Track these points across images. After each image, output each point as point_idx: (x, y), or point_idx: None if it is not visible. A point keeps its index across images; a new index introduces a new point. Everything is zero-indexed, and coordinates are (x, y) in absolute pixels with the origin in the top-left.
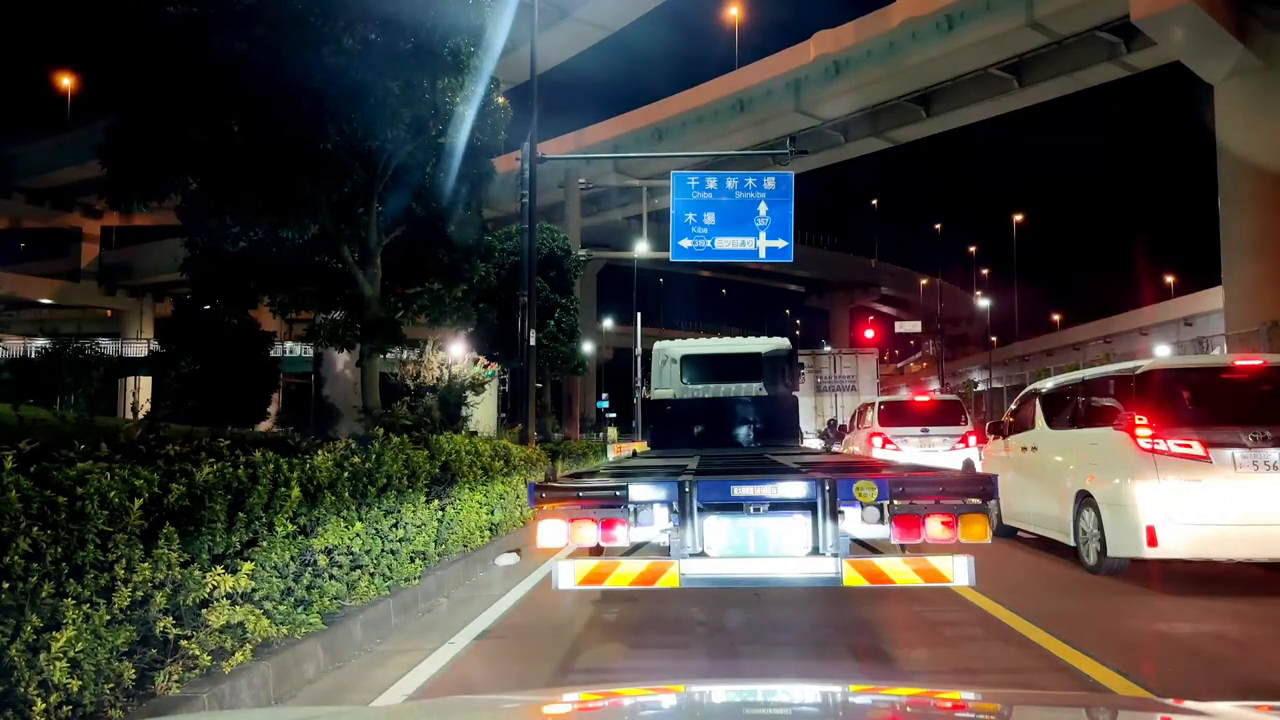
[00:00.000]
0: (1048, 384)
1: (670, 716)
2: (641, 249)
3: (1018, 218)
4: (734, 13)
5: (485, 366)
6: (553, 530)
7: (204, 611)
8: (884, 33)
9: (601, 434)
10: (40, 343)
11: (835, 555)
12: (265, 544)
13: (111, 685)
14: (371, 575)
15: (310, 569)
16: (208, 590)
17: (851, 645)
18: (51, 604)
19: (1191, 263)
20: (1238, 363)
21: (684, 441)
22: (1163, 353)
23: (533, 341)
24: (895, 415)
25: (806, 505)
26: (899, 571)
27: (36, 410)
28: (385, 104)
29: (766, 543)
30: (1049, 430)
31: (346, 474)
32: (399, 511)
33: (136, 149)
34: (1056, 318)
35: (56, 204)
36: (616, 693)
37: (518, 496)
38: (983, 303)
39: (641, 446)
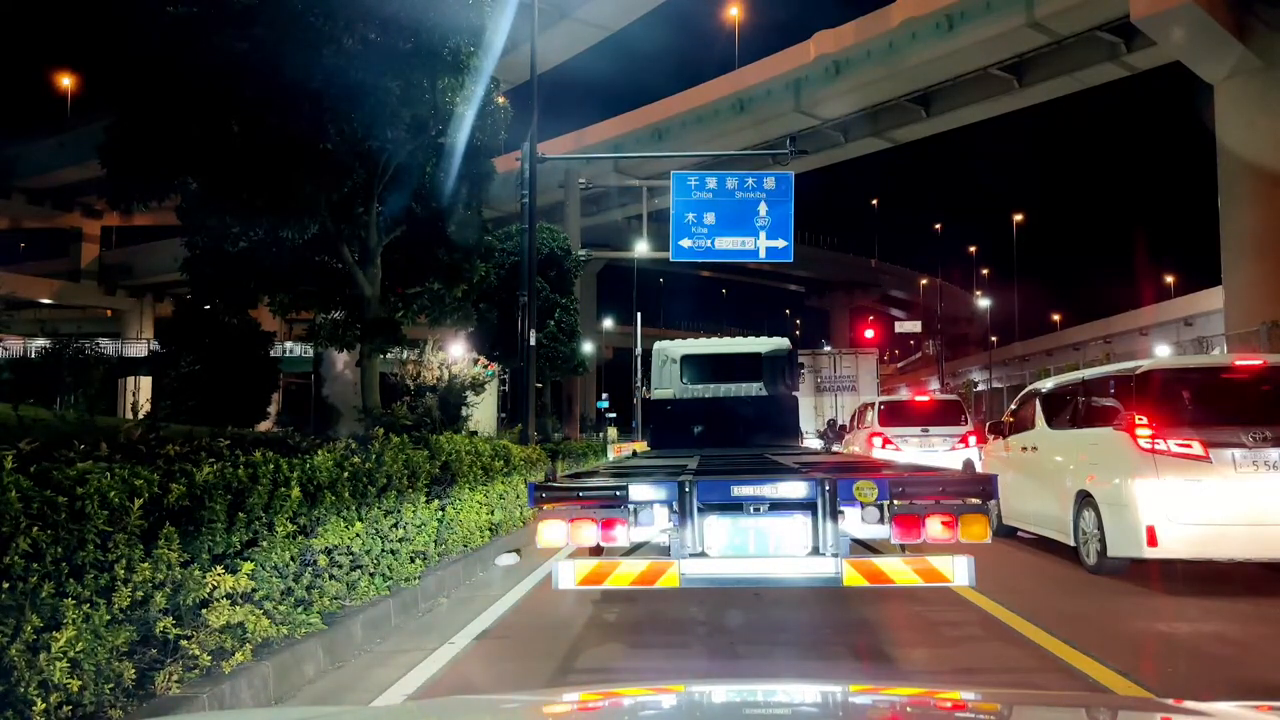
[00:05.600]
0: (1048, 384)
1: (670, 716)
2: (641, 249)
3: (1018, 218)
4: (734, 13)
5: (485, 366)
6: (553, 530)
7: (204, 611)
8: (884, 33)
9: (601, 434)
10: (40, 343)
11: (835, 555)
12: (265, 544)
13: (111, 685)
14: (371, 575)
15: (310, 569)
16: (208, 590)
17: (851, 645)
18: (51, 604)
19: (1191, 263)
20: (1238, 363)
21: (684, 441)
22: (1163, 353)
23: (533, 341)
24: (895, 415)
25: (806, 505)
26: (899, 571)
27: (36, 410)
28: (385, 104)
29: (766, 543)
30: (1049, 430)
31: (346, 474)
32: (399, 511)
33: (136, 149)
34: (1056, 318)
35: (56, 204)
36: (616, 693)
37: (518, 496)
38: (983, 303)
39: (642, 446)
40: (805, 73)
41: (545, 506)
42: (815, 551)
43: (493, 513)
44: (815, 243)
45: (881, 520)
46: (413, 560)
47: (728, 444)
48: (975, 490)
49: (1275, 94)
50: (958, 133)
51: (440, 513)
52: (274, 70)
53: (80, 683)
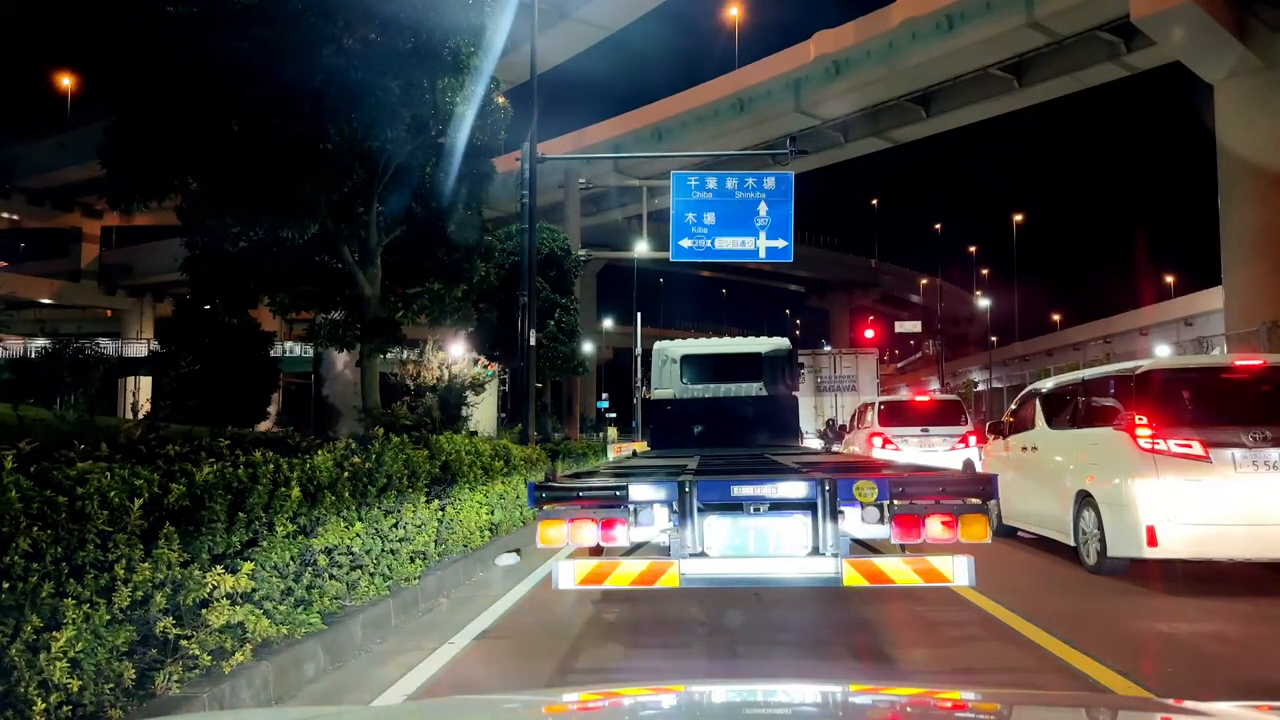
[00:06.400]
0: (1048, 384)
1: (670, 716)
2: (641, 249)
3: (1018, 218)
4: (734, 13)
5: (485, 366)
6: (553, 530)
7: (204, 611)
8: (884, 33)
9: (601, 434)
10: (40, 343)
11: (835, 555)
12: (265, 544)
13: (111, 685)
14: (371, 575)
15: (310, 569)
16: (208, 590)
17: (851, 645)
18: (51, 604)
19: (1191, 263)
20: (1238, 363)
21: (684, 441)
22: (1163, 353)
23: (533, 341)
24: (895, 415)
25: (806, 505)
26: (899, 571)
27: (36, 410)
28: (385, 104)
29: (766, 543)
30: (1049, 430)
31: (346, 474)
32: (399, 511)
33: (136, 149)
34: (1056, 318)
35: (56, 204)
36: (616, 693)
37: (518, 496)
38: (983, 303)
39: (642, 446)
40: (805, 73)
41: (545, 506)
42: (815, 551)
43: (493, 513)
44: (815, 243)
45: (881, 520)
46: (413, 560)
47: (728, 444)
48: (975, 490)
49: (1275, 94)
50: (958, 133)
51: (440, 513)
52: (274, 70)
53: (80, 683)
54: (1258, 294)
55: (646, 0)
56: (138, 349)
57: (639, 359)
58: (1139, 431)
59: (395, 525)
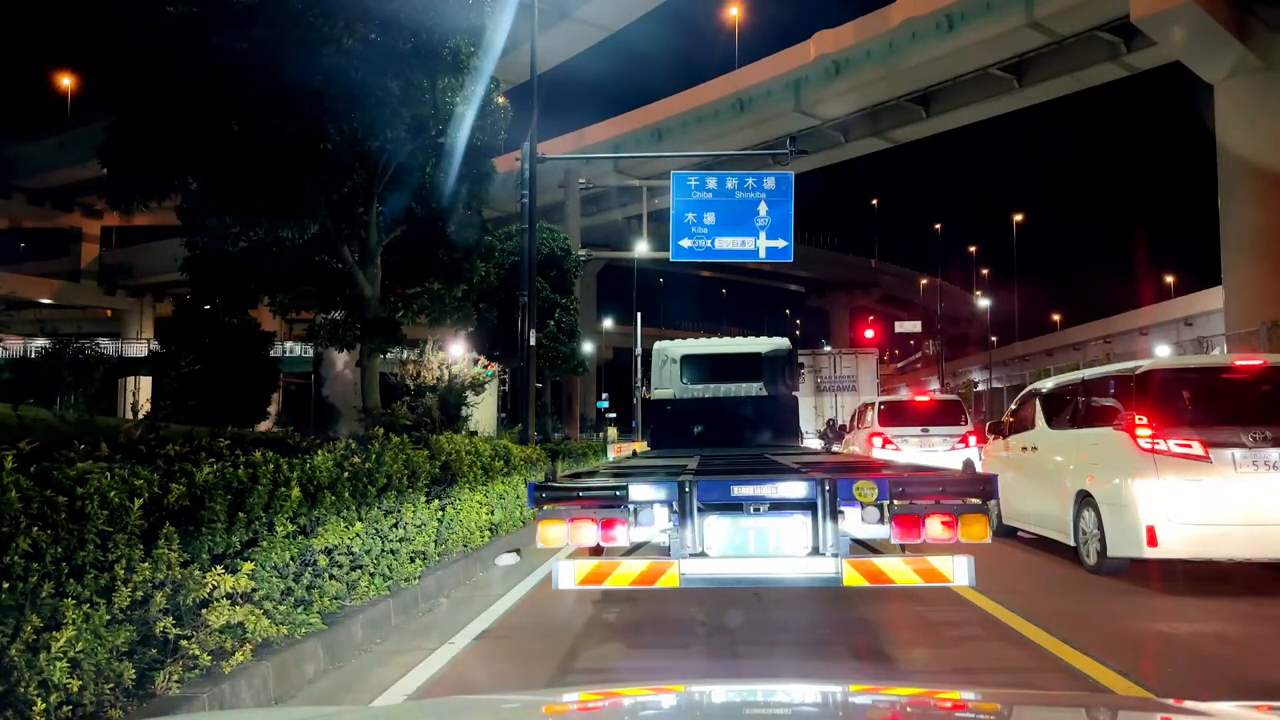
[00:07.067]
0: (1048, 384)
1: (670, 716)
2: (641, 249)
3: (1018, 218)
4: (734, 13)
5: (485, 366)
6: (553, 530)
7: (204, 611)
8: (884, 33)
9: (601, 434)
10: (40, 343)
11: (835, 555)
12: (265, 544)
13: (111, 685)
14: (371, 575)
15: (310, 569)
16: (208, 590)
17: (851, 645)
18: (51, 604)
19: (1191, 263)
20: (1238, 363)
21: (684, 441)
22: (1163, 353)
23: (533, 341)
24: (895, 415)
25: (806, 505)
26: (899, 571)
27: (36, 410)
28: (385, 104)
29: (766, 543)
30: (1049, 430)
31: (346, 474)
32: (399, 511)
33: (136, 149)
34: (1056, 318)
35: (56, 204)
36: (616, 693)
37: (518, 496)
38: (983, 303)
39: (642, 446)
40: (805, 73)
41: (545, 506)
42: (815, 551)
43: (493, 513)
44: (815, 243)
45: (881, 520)
46: (413, 560)
47: (728, 444)
48: (975, 490)
49: (1275, 94)
50: (958, 133)
51: (440, 513)
52: (274, 70)
53: (80, 683)
54: (1258, 294)
55: (646, 0)
56: (138, 349)
57: (639, 359)
58: (1139, 431)
59: (395, 525)
